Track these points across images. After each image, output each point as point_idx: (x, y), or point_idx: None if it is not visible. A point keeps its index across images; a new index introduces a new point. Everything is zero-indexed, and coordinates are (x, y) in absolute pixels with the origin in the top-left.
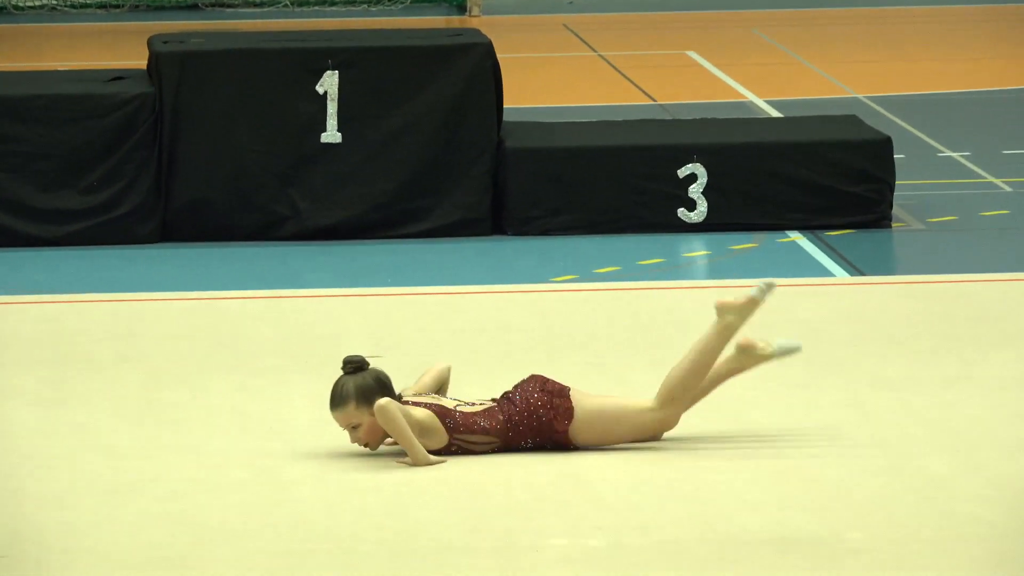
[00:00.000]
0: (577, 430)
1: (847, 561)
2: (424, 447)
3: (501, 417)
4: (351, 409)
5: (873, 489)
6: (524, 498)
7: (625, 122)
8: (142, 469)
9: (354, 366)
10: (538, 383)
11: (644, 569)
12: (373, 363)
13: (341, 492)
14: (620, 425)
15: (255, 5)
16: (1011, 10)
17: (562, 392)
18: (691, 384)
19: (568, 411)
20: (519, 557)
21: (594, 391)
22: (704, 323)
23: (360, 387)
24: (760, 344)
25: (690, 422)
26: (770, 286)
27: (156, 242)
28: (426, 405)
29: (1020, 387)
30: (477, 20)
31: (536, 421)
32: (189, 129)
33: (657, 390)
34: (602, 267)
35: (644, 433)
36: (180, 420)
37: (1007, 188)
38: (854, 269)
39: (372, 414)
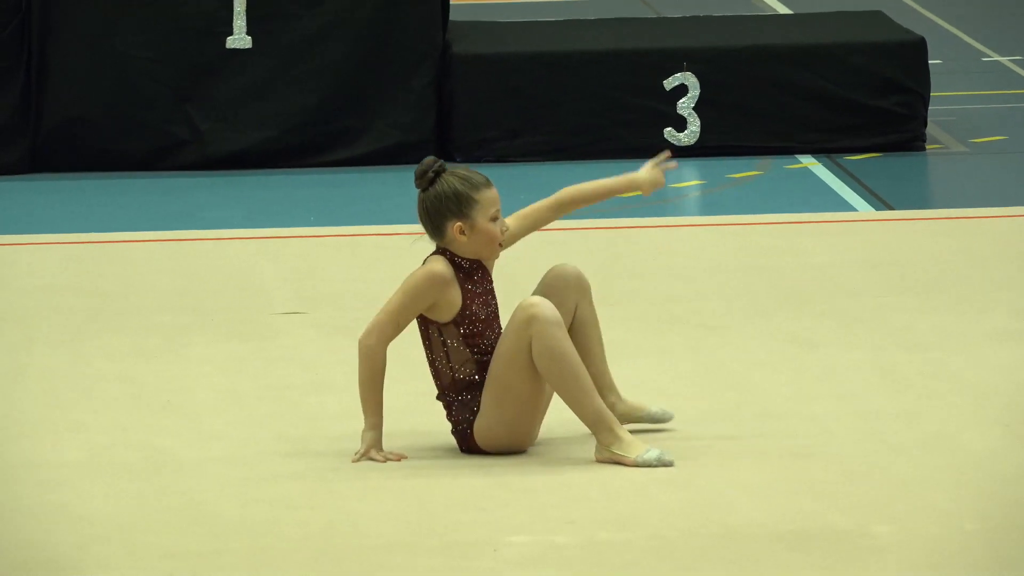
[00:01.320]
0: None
1: (871, 560)
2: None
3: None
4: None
5: (904, 473)
6: (479, 484)
7: (599, 21)
8: (13, 451)
9: (429, 179)
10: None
11: (622, 569)
12: (293, 320)
13: (253, 479)
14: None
15: None
16: None
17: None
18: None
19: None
20: (473, 557)
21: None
22: (702, 270)
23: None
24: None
25: (682, 389)
26: (665, 415)
27: (24, 172)
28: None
29: None
30: None
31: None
32: (63, 33)
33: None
34: None
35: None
36: (58, 390)
37: None
38: (880, 202)
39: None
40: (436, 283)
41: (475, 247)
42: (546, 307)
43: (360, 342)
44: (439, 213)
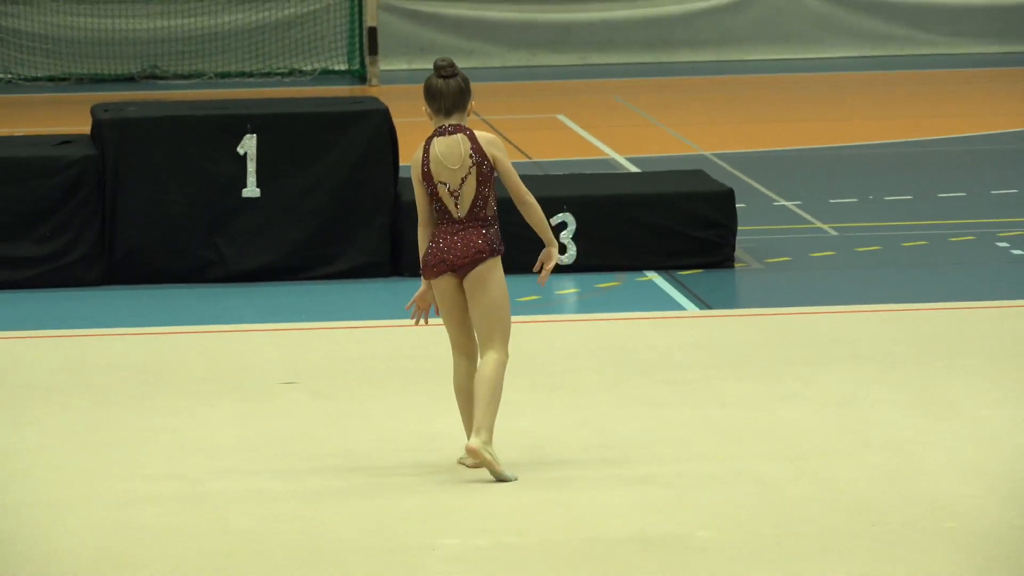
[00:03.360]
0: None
1: (696, 557)
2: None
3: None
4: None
5: (719, 493)
6: (420, 503)
7: None
8: (89, 484)
9: (455, 70)
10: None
11: (521, 564)
12: (289, 387)
13: (256, 498)
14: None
15: (183, 77)
16: (830, 77)
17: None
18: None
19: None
20: (416, 555)
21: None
22: (577, 352)
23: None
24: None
25: (566, 438)
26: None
27: (101, 285)
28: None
29: (846, 403)
30: (376, 89)
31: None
32: (128, 186)
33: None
34: None
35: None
36: (122, 439)
37: (833, 232)
38: (702, 303)
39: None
40: None
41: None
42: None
43: (531, 196)
44: (468, 93)
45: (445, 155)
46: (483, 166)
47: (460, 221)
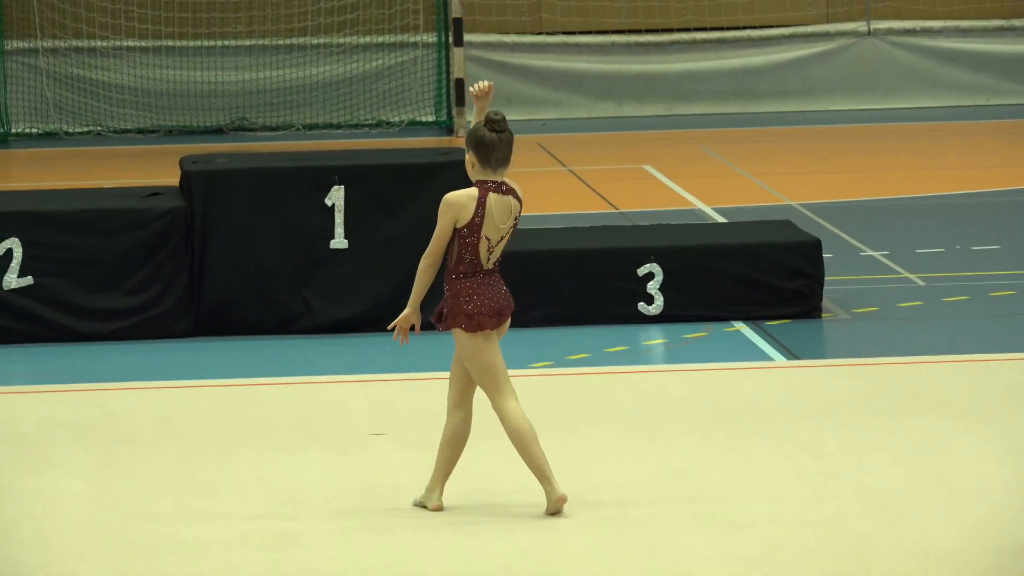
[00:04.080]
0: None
1: None
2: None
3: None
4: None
5: (806, 543)
6: (516, 548)
7: (591, 228)
8: (179, 533)
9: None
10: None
11: None
12: (375, 440)
13: (347, 549)
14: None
15: (272, 129)
16: (916, 127)
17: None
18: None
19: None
20: None
21: (566, 467)
22: (664, 402)
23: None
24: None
25: (654, 487)
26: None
27: (190, 336)
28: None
29: (933, 453)
30: (463, 140)
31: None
32: (216, 238)
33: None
34: (573, 354)
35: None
36: (212, 490)
37: (920, 282)
38: (790, 353)
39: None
40: None
41: None
42: None
43: None
44: (512, 149)
45: (498, 213)
46: (516, 227)
47: (487, 272)
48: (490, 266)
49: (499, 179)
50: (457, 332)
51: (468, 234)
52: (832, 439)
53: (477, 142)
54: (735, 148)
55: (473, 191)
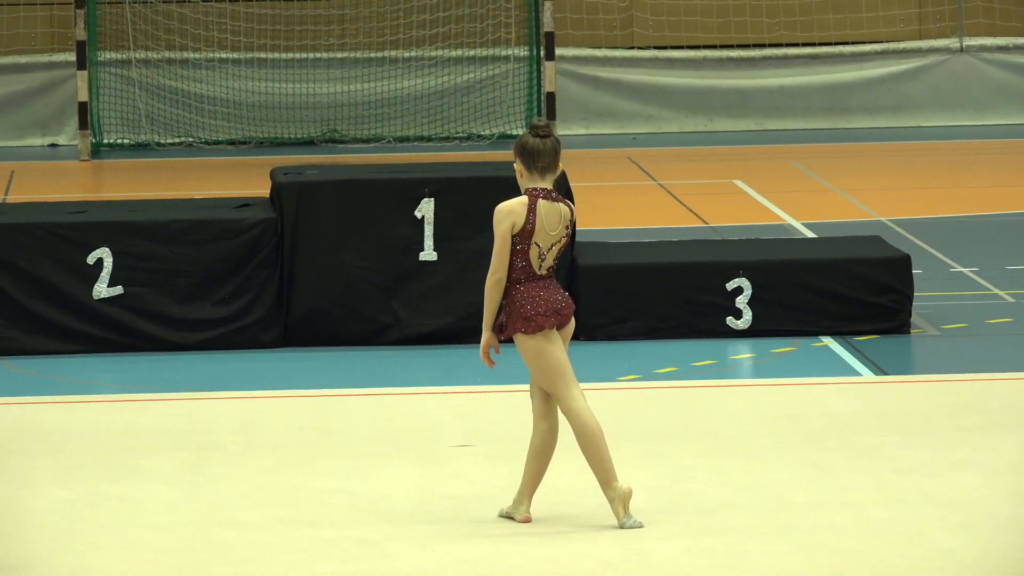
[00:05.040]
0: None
1: None
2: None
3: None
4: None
5: (892, 559)
6: (600, 559)
7: (681, 242)
8: (264, 542)
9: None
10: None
11: None
12: (462, 452)
13: (433, 561)
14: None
15: (362, 141)
16: (1007, 144)
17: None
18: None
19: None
20: None
21: (652, 479)
22: (750, 417)
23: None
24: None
25: (739, 501)
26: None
27: (278, 347)
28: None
29: (1021, 470)
30: None
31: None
32: (306, 249)
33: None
34: (661, 368)
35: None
36: (297, 499)
37: (1010, 299)
38: (878, 369)
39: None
40: None
41: None
42: None
43: None
44: (559, 155)
45: (548, 220)
46: (569, 235)
47: (542, 277)
48: (543, 272)
49: (547, 186)
50: (519, 338)
51: (520, 241)
52: (919, 455)
53: (522, 149)
54: (826, 164)
55: (524, 199)
